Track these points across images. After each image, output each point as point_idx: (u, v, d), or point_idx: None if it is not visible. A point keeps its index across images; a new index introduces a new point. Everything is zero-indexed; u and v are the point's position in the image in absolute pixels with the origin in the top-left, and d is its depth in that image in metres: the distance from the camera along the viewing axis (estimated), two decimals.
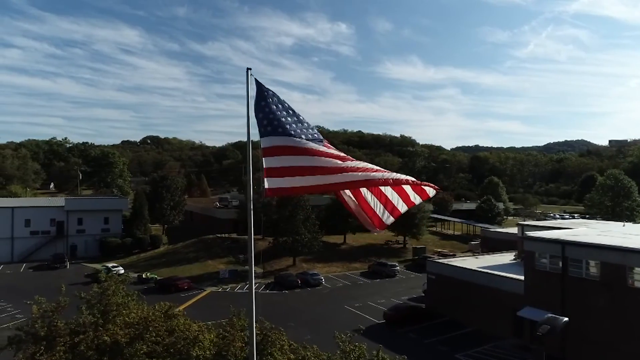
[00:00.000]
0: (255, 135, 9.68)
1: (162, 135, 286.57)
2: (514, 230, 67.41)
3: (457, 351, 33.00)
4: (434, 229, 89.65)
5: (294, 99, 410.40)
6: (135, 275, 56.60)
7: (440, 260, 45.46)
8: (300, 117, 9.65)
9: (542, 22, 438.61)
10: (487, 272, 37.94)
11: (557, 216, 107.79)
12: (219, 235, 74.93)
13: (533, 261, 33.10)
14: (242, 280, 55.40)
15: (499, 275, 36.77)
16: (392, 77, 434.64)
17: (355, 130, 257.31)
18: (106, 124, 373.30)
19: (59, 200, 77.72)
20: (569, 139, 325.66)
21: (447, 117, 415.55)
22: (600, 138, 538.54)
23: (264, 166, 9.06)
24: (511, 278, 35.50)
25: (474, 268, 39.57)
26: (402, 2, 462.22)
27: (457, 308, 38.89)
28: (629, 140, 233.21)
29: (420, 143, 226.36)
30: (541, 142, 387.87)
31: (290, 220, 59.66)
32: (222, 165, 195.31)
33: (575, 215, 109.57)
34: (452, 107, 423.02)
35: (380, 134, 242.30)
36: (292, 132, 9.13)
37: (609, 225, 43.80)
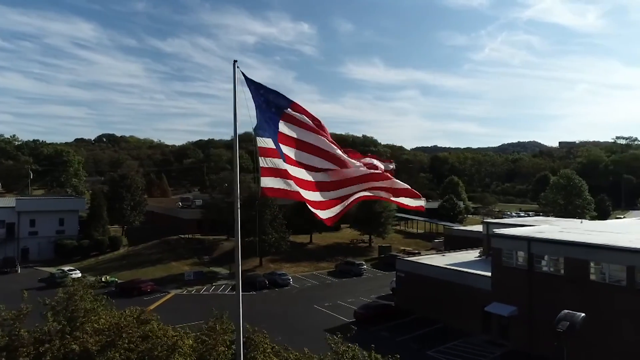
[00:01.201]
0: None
1: (118, 134, 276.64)
2: (476, 228, 69.36)
3: (428, 347, 33.39)
4: (398, 227, 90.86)
5: None
6: (94, 278, 54.17)
7: (409, 259, 46.01)
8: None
9: (497, 27, 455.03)
10: (455, 270, 38.68)
11: (514, 214, 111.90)
12: (182, 236, 72.95)
13: (500, 258, 33.98)
14: (207, 281, 54.04)
15: (467, 272, 37.54)
16: (354, 77, 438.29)
17: None
18: (59, 121, 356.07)
19: (9, 201, 73.24)
20: (522, 140, 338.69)
21: (408, 117, 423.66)
22: (551, 139, 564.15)
23: (261, 166, 8.95)
24: (479, 275, 36.33)
25: (442, 265, 40.27)
26: (363, 3, 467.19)
27: (427, 305, 39.43)
28: (577, 142, 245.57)
29: (382, 143, 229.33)
30: (496, 142, 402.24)
31: (257, 220, 58.71)
32: (182, 164, 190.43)
33: (531, 213, 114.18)
34: (412, 108, 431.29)
35: (343, 133, 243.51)
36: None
37: (568, 222, 45.72)
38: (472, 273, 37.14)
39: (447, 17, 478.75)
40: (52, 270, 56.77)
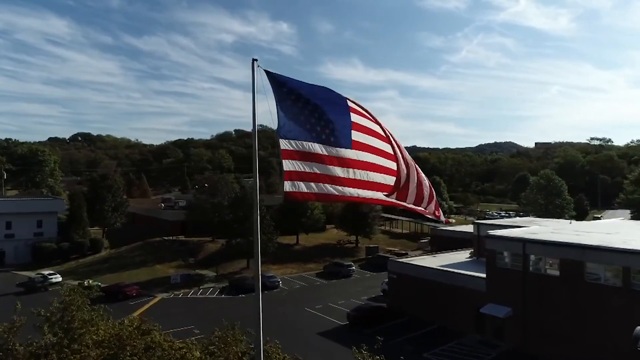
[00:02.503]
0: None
1: (93, 132, 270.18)
2: (462, 228, 69.92)
3: (423, 350, 33.22)
4: (383, 227, 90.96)
5: (235, 97, 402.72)
6: (76, 282, 52.36)
7: (401, 260, 45.88)
8: (325, 109, 9.04)
9: (473, 29, 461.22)
10: (448, 271, 38.67)
11: (495, 214, 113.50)
12: (165, 237, 71.39)
13: (494, 259, 34.08)
14: (194, 284, 52.90)
15: (461, 274, 37.57)
16: (333, 77, 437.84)
17: None
18: (31, 119, 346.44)
19: None
20: (498, 141, 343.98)
21: (388, 118, 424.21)
22: (527, 140, 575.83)
23: (284, 169, 8.49)
24: (472, 276, 36.38)
25: (435, 267, 40.24)
26: (343, 4, 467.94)
27: (420, 306, 39.32)
28: (552, 142, 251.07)
29: None
30: (473, 143, 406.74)
31: (244, 221, 57.80)
32: (162, 164, 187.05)
33: (511, 212, 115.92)
34: (391, 108, 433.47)
35: None
36: (315, 136, 8.65)
37: (557, 223, 46.32)
38: (465, 274, 37.19)
39: (424, 19, 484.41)
40: (31, 274, 54.67)
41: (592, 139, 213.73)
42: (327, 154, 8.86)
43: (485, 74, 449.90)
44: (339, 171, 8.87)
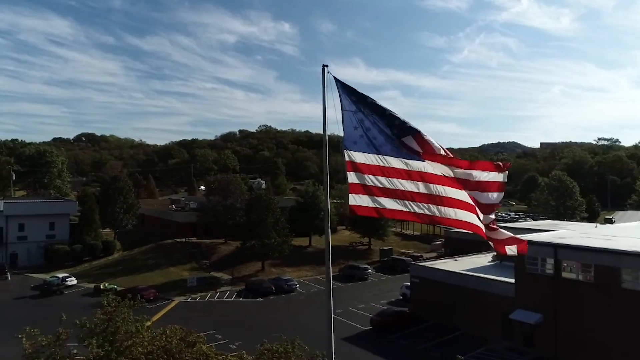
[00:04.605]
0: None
1: (97, 133, 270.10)
2: None
3: (450, 356, 32.60)
4: (394, 229, 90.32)
5: (236, 97, 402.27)
6: (92, 285, 52.04)
7: (424, 264, 45.34)
8: (389, 120, 8.48)
9: (475, 29, 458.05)
10: (474, 275, 38.11)
11: (505, 215, 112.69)
12: (177, 240, 70.88)
13: (523, 264, 33.45)
14: (211, 288, 52.44)
15: (487, 278, 37.01)
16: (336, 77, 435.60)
17: (303, 130, 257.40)
18: (34, 119, 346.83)
19: None
20: (502, 141, 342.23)
21: None
22: (531, 140, 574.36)
23: (349, 181, 8.32)
24: (499, 281, 35.80)
25: (460, 271, 39.68)
26: (344, 4, 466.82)
27: (444, 312, 38.75)
28: (558, 142, 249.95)
29: None
30: (476, 143, 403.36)
31: (259, 224, 57.30)
32: (167, 164, 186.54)
33: (521, 214, 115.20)
34: (394, 108, 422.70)
35: (329, 134, 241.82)
36: (382, 148, 8.31)
37: (582, 226, 45.77)
38: (492, 279, 36.61)
39: (426, 19, 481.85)
40: (45, 277, 54.27)
41: (599, 139, 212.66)
42: (396, 167, 8.41)
43: (487, 73, 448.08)
44: (408, 185, 8.40)
